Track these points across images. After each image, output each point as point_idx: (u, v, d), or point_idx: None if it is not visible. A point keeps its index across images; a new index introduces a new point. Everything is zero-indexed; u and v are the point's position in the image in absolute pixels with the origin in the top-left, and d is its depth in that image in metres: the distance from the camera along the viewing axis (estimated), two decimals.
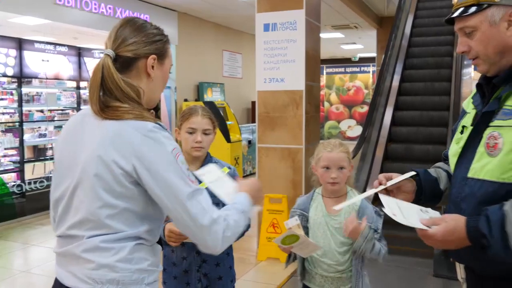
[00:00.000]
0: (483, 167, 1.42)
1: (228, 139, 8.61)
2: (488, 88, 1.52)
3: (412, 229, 1.42)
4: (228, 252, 2.32)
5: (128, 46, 1.42)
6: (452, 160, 1.59)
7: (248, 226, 2.30)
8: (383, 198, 1.56)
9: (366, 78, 17.15)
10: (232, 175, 2.19)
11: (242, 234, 2.29)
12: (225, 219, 1.40)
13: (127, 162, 1.32)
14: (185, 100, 9.24)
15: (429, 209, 1.52)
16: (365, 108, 17.04)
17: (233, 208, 1.48)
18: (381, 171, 5.91)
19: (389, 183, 1.59)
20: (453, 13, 1.49)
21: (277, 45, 4.72)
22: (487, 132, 1.43)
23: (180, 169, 1.35)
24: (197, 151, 2.19)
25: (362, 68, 17.19)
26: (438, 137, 6.09)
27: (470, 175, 1.46)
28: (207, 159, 2.26)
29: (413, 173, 1.63)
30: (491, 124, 1.43)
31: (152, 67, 1.46)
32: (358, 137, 17.41)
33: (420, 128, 6.34)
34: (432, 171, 1.73)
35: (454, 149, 1.59)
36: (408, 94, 7.01)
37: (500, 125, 1.40)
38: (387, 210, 1.53)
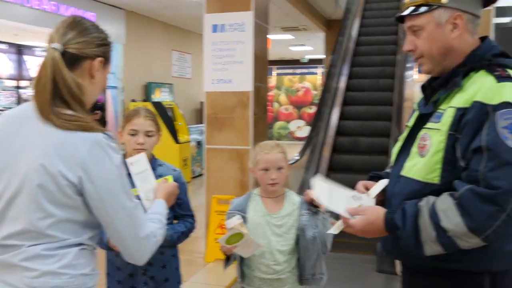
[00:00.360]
0: (412, 167, 1.47)
1: (176, 140, 8.52)
2: (429, 90, 1.57)
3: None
4: (174, 253, 2.31)
5: (78, 43, 1.39)
6: (393, 157, 1.66)
7: (193, 228, 2.29)
8: (316, 181, 1.66)
9: (315, 79, 17.45)
10: (177, 178, 2.20)
11: (187, 236, 2.30)
12: (155, 235, 1.46)
13: (73, 174, 1.30)
14: (133, 100, 9.06)
15: (364, 196, 1.61)
16: (314, 109, 17.32)
17: (159, 221, 1.54)
18: (330, 164, 6.06)
19: (371, 194, 1.62)
20: (403, 11, 1.53)
21: (225, 46, 4.72)
22: (421, 133, 1.49)
23: (124, 184, 1.37)
24: (139, 152, 2.16)
25: (311, 70, 17.47)
26: (382, 130, 6.37)
27: (402, 173, 1.51)
28: (152, 162, 2.23)
29: (387, 181, 1.63)
30: (425, 126, 1.49)
31: (97, 69, 1.44)
32: (307, 137, 17.62)
33: (366, 122, 6.63)
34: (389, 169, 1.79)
35: (396, 146, 1.66)
36: (356, 90, 7.23)
37: (431, 127, 1.46)
38: (315, 193, 1.64)
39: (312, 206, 2.06)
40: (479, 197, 1.28)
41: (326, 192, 1.64)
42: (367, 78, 7.44)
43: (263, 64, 5.00)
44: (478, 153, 1.31)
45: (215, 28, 4.76)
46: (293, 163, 5.84)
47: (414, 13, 1.49)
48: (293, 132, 17.59)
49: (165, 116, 8.17)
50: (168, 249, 2.25)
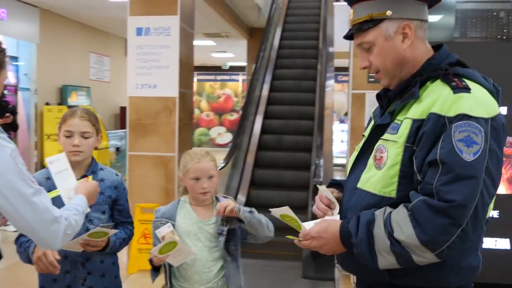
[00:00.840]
0: (369, 179, 1.43)
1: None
2: (385, 100, 1.54)
3: (283, 233, 1.49)
4: (114, 261, 2.20)
5: None
6: (349, 166, 1.61)
7: (132, 235, 2.20)
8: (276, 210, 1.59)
9: (236, 86, 17.55)
10: (119, 183, 2.15)
11: (127, 243, 2.19)
12: (67, 218, 1.46)
13: None
14: (47, 103, 8.57)
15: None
16: (235, 116, 17.42)
17: (74, 209, 1.57)
18: (255, 159, 6.08)
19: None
20: (350, 30, 1.51)
21: (150, 50, 4.61)
22: (378, 144, 1.45)
23: (20, 171, 1.37)
24: (75, 155, 2.03)
25: (232, 77, 17.55)
26: (305, 129, 6.64)
27: (359, 185, 1.46)
28: (92, 165, 2.12)
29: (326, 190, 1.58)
30: (381, 137, 1.44)
31: None
32: (228, 144, 17.65)
33: (290, 121, 6.84)
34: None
35: (352, 156, 1.61)
36: (279, 90, 7.40)
37: (387, 139, 1.41)
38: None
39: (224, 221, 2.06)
40: (432, 209, 1.25)
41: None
42: (291, 79, 7.64)
43: (188, 69, 4.94)
44: (433, 166, 1.28)
45: (139, 31, 4.63)
46: (220, 169, 5.80)
47: (360, 31, 1.46)
48: (214, 139, 17.55)
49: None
50: (109, 257, 2.14)
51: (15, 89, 8.45)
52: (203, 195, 2.06)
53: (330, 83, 6.88)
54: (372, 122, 1.59)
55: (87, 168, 2.10)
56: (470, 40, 4.66)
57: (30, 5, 8.16)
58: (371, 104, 4.20)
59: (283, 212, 1.53)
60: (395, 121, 1.43)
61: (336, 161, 7.01)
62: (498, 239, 3.57)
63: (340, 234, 1.39)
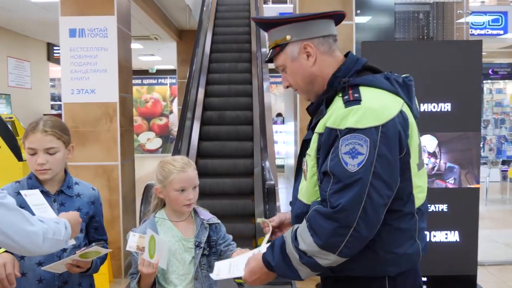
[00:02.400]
0: (301, 189, 1.55)
1: (19, 157, 7.57)
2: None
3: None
4: (91, 283, 2.00)
5: None
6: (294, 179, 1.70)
7: (105, 257, 2.01)
8: (218, 264, 1.74)
9: (164, 90, 17.19)
10: (96, 199, 1.98)
11: (103, 262, 1.99)
12: (43, 221, 1.47)
13: None
14: None
15: (262, 248, 1.64)
16: (164, 120, 17.06)
17: (57, 224, 1.54)
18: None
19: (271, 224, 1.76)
20: (267, 55, 1.64)
21: (86, 52, 4.33)
22: (304, 158, 1.55)
23: None
24: (42, 174, 1.82)
25: (160, 80, 17.18)
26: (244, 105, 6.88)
27: (298, 196, 1.57)
28: (66, 180, 1.92)
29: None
30: (307, 151, 1.54)
31: None
32: (158, 149, 17.17)
33: (230, 98, 7.05)
34: None
35: (294, 167, 1.74)
36: (215, 95, 7.30)
37: (307, 153, 1.52)
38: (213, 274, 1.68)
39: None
40: (321, 216, 1.37)
41: (225, 266, 1.70)
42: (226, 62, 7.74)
43: (127, 73, 4.71)
44: (327, 176, 1.40)
45: (73, 33, 4.34)
46: None
47: (272, 56, 1.60)
48: (143, 145, 17.07)
49: (4, 130, 7.22)
50: (86, 279, 1.94)
51: None
52: (187, 207, 1.91)
53: (266, 85, 6.87)
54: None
55: (61, 184, 1.90)
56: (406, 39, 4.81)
57: None
58: None
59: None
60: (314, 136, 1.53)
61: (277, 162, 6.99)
62: (448, 232, 3.69)
63: (265, 265, 1.49)
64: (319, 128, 1.45)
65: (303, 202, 1.51)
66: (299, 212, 1.51)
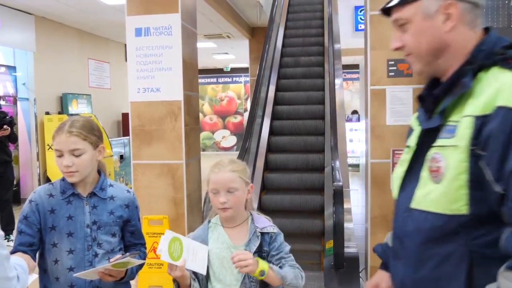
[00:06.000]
0: (426, 196, 1.18)
1: None
2: (430, 101, 1.29)
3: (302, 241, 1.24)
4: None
5: None
6: (395, 184, 1.34)
7: (145, 258, 1.95)
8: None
9: (238, 88, 17.29)
10: (131, 201, 1.90)
11: (141, 268, 1.91)
12: (19, 278, 1.30)
13: None
14: (47, 113, 8.30)
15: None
16: (239, 118, 17.16)
17: (20, 267, 1.38)
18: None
19: None
20: (389, 2, 1.30)
21: (151, 51, 4.32)
22: (430, 153, 1.20)
23: None
24: (70, 176, 1.76)
25: (234, 79, 17.29)
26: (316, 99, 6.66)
27: (413, 205, 1.21)
28: (100, 182, 1.85)
29: None
30: (434, 144, 1.20)
31: None
32: (233, 147, 17.40)
33: (299, 121, 6.57)
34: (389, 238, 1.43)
35: (398, 172, 1.34)
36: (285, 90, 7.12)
37: (443, 144, 1.16)
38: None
39: None
40: None
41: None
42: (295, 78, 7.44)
43: (192, 71, 4.65)
44: None
45: (139, 32, 4.35)
46: None
47: (399, 3, 1.26)
48: (218, 142, 17.28)
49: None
50: (121, 286, 1.88)
51: (14, 99, 8.21)
52: (223, 211, 1.77)
53: (339, 81, 6.60)
54: (417, 130, 1.33)
55: (93, 186, 1.84)
56: None
57: (25, 12, 7.91)
58: (392, 100, 3.91)
59: None
60: (449, 122, 1.18)
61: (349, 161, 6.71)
62: None
63: None
64: (475, 110, 1.10)
65: (433, 212, 1.15)
66: (429, 226, 1.16)
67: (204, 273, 1.72)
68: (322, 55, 7.88)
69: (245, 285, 1.76)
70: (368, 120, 4.04)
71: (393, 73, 3.90)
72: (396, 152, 3.70)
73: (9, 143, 5.87)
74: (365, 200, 4.28)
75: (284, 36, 8.52)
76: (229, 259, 1.74)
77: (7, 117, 5.86)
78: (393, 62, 3.94)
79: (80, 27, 9.47)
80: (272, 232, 1.82)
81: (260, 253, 1.78)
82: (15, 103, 8.21)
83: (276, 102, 6.98)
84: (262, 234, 1.80)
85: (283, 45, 8.28)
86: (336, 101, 6.12)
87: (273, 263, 1.77)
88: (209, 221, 1.88)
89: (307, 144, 6.14)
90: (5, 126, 5.62)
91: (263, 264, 1.69)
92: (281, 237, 1.83)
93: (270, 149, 6.22)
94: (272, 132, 6.47)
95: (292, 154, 6.00)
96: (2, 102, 7.60)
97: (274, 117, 6.71)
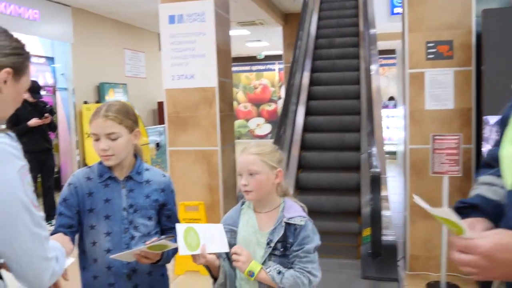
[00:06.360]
0: None
1: None
2: None
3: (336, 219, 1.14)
4: (163, 272, 1.94)
5: None
6: (506, 164, 1.05)
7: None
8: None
9: (272, 76, 17.19)
10: (167, 185, 1.89)
11: (177, 252, 1.92)
12: (58, 260, 1.26)
13: None
14: (85, 102, 8.49)
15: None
16: (273, 106, 17.10)
17: (58, 249, 1.33)
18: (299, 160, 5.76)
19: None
20: None
21: (184, 38, 4.32)
22: None
23: (24, 196, 1.14)
24: (107, 160, 1.78)
25: (268, 66, 17.20)
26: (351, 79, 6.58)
27: None
28: (136, 166, 1.86)
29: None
30: None
31: (5, 82, 1.23)
32: (267, 135, 17.33)
33: (337, 73, 6.77)
34: (489, 192, 1.13)
35: (507, 149, 1.05)
36: (320, 84, 7.00)
37: None
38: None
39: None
40: None
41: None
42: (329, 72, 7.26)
43: (226, 57, 4.63)
44: None
45: (172, 19, 4.35)
46: None
47: None
48: (252, 130, 17.27)
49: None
50: (158, 269, 1.88)
51: (53, 89, 8.41)
52: (246, 194, 1.75)
53: (375, 67, 6.46)
54: None
55: (130, 170, 1.85)
56: None
57: (62, 4, 8.06)
58: (431, 83, 3.79)
59: (442, 215, 0.98)
60: None
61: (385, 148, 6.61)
62: None
63: None
64: None
65: None
66: None
67: (227, 250, 1.70)
68: (356, 36, 7.80)
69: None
70: (406, 105, 3.94)
71: (432, 56, 3.78)
72: (436, 137, 3.59)
73: (49, 132, 6.02)
74: (404, 188, 4.18)
75: (319, 18, 8.40)
76: (254, 244, 1.73)
77: (47, 106, 6.01)
78: (432, 44, 3.81)
79: (116, 17, 9.59)
80: (298, 224, 1.73)
81: (284, 243, 1.72)
82: (54, 93, 8.41)
83: (312, 83, 6.96)
84: (289, 224, 1.74)
85: (318, 27, 8.18)
86: (371, 86, 6.00)
87: (291, 256, 1.72)
88: (242, 203, 1.86)
89: (343, 124, 6.14)
90: (46, 115, 5.76)
91: (254, 266, 1.66)
92: (305, 232, 1.73)
93: (306, 129, 6.22)
94: (308, 113, 6.47)
95: (328, 133, 6.03)
96: (43, 92, 7.80)
97: (310, 98, 6.70)
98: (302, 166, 5.64)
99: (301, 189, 5.25)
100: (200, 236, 1.63)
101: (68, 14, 8.23)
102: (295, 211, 1.78)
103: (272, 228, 1.75)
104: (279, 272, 1.67)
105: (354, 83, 6.78)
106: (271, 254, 1.72)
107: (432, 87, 3.80)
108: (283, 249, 1.72)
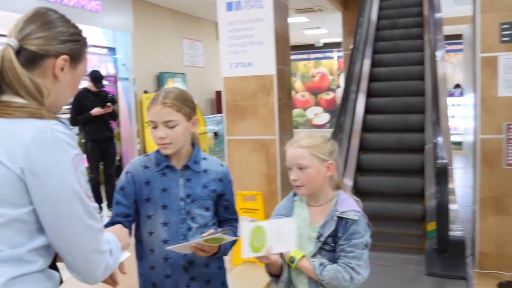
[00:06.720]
0: None
1: None
2: None
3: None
4: (221, 265, 1.89)
5: (36, 39, 1.16)
6: None
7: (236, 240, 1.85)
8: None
9: (331, 64, 16.87)
10: (225, 175, 1.84)
11: (234, 244, 1.86)
12: (112, 252, 1.22)
13: (15, 165, 1.05)
14: (145, 91, 8.66)
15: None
16: (331, 95, 16.80)
17: (114, 242, 1.28)
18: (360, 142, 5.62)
19: None
20: None
21: (242, 25, 4.25)
22: None
23: (78, 184, 1.10)
24: (164, 148, 1.73)
25: (327, 54, 16.88)
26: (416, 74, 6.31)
27: None
28: (193, 155, 1.81)
29: None
30: None
31: (62, 69, 1.20)
32: (325, 125, 17.12)
33: (399, 67, 6.51)
34: None
35: None
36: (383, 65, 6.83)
37: None
38: None
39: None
40: None
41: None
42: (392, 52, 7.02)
43: (285, 44, 4.52)
44: None
45: (229, 6, 4.29)
46: None
47: None
48: (310, 120, 17.06)
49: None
50: (215, 261, 1.84)
51: (115, 79, 8.62)
52: (297, 188, 1.69)
53: (441, 53, 6.13)
54: None
55: (187, 158, 1.80)
56: None
57: None
58: (505, 68, 3.52)
59: None
60: None
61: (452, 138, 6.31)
62: None
63: None
64: None
65: None
66: None
67: (295, 248, 1.64)
68: (420, 16, 7.53)
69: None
70: (477, 92, 3.68)
71: (507, 38, 3.50)
72: (510, 126, 3.33)
73: (110, 121, 6.16)
74: (473, 180, 3.93)
75: (380, 8, 8.10)
76: (304, 238, 1.67)
77: (109, 96, 6.15)
78: (507, 26, 3.53)
79: (174, 7, 9.69)
80: (350, 219, 1.64)
81: (335, 238, 1.64)
82: (116, 83, 8.62)
83: (374, 65, 6.80)
84: (341, 218, 1.65)
85: (380, 8, 7.91)
86: (437, 74, 5.71)
87: (337, 250, 1.65)
88: (295, 193, 1.78)
89: (406, 105, 6.00)
90: (108, 104, 5.90)
91: (296, 252, 1.61)
92: (357, 227, 1.63)
93: (368, 111, 6.10)
94: (369, 95, 6.33)
95: (391, 114, 5.92)
96: (105, 82, 8.02)
97: (372, 79, 6.54)
98: (363, 148, 5.59)
99: (362, 170, 5.24)
100: (267, 236, 1.55)
101: (129, 4, 8.38)
102: (349, 205, 1.69)
103: (323, 222, 1.67)
104: (321, 264, 1.60)
105: (417, 63, 6.58)
106: (321, 249, 1.64)
107: (506, 72, 3.53)
108: (333, 244, 1.64)
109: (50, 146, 1.07)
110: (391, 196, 4.78)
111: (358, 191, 4.91)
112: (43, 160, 1.05)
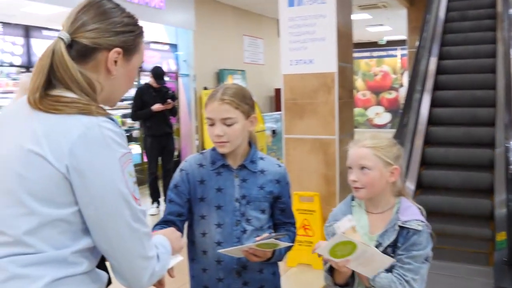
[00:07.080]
0: None
1: None
2: None
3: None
4: (274, 271, 1.81)
5: (88, 32, 1.11)
6: None
7: (295, 238, 1.81)
8: None
9: (394, 62, 16.37)
10: (282, 176, 1.75)
11: (290, 249, 1.78)
12: (159, 258, 1.15)
13: (60, 161, 1.00)
14: (205, 88, 8.74)
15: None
16: (394, 94, 16.32)
17: (163, 247, 1.22)
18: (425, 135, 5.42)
19: None
20: None
21: (303, 21, 4.14)
22: None
23: (125, 184, 1.04)
24: (221, 146, 1.67)
25: (389, 52, 16.40)
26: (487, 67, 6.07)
27: None
28: (250, 154, 1.74)
29: None
30: None
31: (115, 62, 1.15)
32: (386, 124, 16.66)
33: (468, 60, 6.32)
34: None
35: None
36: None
37: None
38: None
39: None
40: None
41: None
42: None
43: (347, 41, 4.37)
44: None
45: (291, 2, 4.20)
46: None
47: None
48: (371, 119, 16.64)
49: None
50: (269, 266, 1.76)
51: (176, 75, 8.76)
52: (355, 191, 1.58)
53: None
54: None
55: (244, 158, 1.73)
56: None
57: None
58: None
59: None
60: None
61: None
62: None
63: None
64: None
65: None
66: None
67: (371, 276, 1.51)
68: (492, 7, 7.17)
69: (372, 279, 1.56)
70: None
71: None
72: None
73: (170, 117, 6.24)
74: None
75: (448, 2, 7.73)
76: None
77: (169, 92, 6.23)
78: None
79: (235, 4, 9.71)
80: (414, 229, 1.52)
81: (394, 248, 1.53)
82: (177, 79, 8.75)
83: (441, 57, 6.57)
84: (402, 228, 1.53)
85: (448, 10, 7.54)
86: (511, 74, 5.37)
87: (396, 260, 1.52)
88: (352, 198, 1.68)
89: (475, 98, 5.80)
90: (168, 100, 5.97)
91: None
92: (419, 238, 1.52)
93: (434, 104, 5.90)
94: (436, 88, 6.13)
95: (459, 108, 5.76)
96: (166, 78, 8.15)
97: (439, 72, 6.33)
98: (428, 141, 5.42)
99: (426, 164, 5.10)
100: (353, 255, 1.41)
101: (191, 2, 8.46)
102: (412, 213, 1.57)
103: (382, 231, 1.55)
104: (389, 271, 1.50)
105: (488, 56, 6.30)
106: None
107: None
108: (393, 254, 1.52)
109: (96, 144, 1.01)
110: (458, 191, 4.62)
111: (422, 185, 4.79)
112: (88, 159, 1.00)
